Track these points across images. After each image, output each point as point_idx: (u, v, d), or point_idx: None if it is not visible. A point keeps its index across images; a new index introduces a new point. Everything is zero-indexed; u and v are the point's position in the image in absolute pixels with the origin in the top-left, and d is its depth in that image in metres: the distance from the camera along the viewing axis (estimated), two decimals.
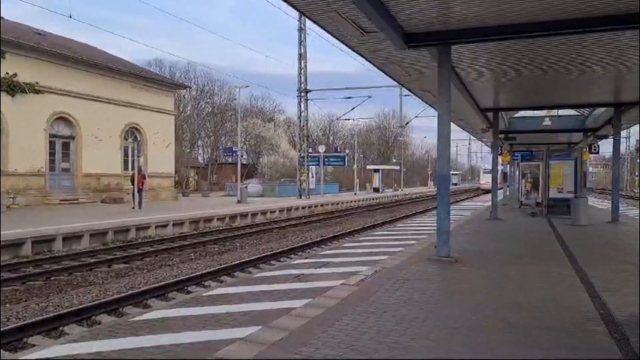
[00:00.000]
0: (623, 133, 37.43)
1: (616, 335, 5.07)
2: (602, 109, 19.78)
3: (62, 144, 26.08)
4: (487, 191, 52.58)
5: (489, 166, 62.98)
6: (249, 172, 57.06)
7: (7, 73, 22.31)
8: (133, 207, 22.92)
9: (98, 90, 27.29)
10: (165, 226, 18.61)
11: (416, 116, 49.50)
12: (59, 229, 14.93)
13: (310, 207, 30.84)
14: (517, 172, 32.12)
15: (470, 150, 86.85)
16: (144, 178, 24.41)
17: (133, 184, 23.80)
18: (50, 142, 25.15)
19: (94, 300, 9.17)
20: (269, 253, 14.42)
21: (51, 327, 7.62)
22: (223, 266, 12.45)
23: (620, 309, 5.94)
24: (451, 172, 10.31)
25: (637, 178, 75.98)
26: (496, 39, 9.40)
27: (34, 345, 6.68)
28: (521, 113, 24.02)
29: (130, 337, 4.99)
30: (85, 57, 27.05)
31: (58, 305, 9.09)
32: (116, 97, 28.54)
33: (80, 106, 26.29)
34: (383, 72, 13.01)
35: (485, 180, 64.74)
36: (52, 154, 25.38)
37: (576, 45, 10.09)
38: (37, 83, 23.79)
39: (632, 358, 4.33)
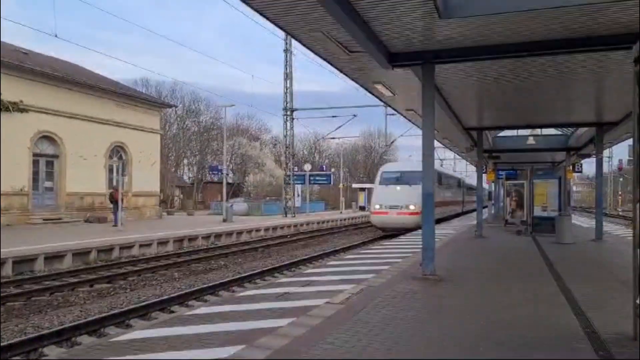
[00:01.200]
0: (606, 152, 37.97)
1: (602, 353, 5.06)
2: (585, 129, 20.07)
3: (45, 163, 25.80)
4: (392, 231, 24.33)
5: (396, 167, 29.67)
6: (235, 190, 56.92)
7: None
8: (115, 225, 22.67)
9: (83, 108, 27.13)
10: (149, 245, 18.39)
11: (401, 135, 49.67)
12: (40, 248, 14.69)
13: (295, 225, 30.71)
14: (501, 191, 32.35)
15: (455, 169, 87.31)
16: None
17: (112, 202, 23.65)
18: (33, 160, 24.88)
19: (75, 321, 8.99)
20: (253, 272, 14.30)
21: (30, 348, 7.46)
22: (207, 285, 12.31)
23: (605, 327, 5.94)
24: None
25: None
26: (480, 59, 9.54)
27: None
28: (505, 132, 24.29)
29: (109, 357, 4.88)
30: (71, 76, 26.93)
31: (38, 326, 8.90)
32: (101, 115, 28.38)
33: (65, 125, 26.09)
34: (368, 91, 13.12)
35: (387, 205, 25.65)
36: (35, 172, 25.08)
37: (559, 65, 10.27)
38: (21, 101, 23.59)
39: None
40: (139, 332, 5.91)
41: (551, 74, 10.95)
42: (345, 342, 5.31)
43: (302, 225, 31.48)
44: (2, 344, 7.35)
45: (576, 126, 20.31)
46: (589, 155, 24.20)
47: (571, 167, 26.18)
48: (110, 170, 28.84)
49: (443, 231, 20.41)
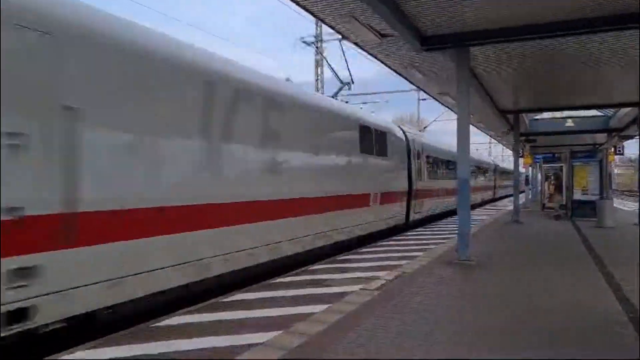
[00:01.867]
0: None
1: None
2: (627, 109, 19.41)
3: None
4: None
5: None
6: None
7: None
8: None
9: None
10: None
11: (434, 120, 48.91)
12: None
13: None
14: (539, 175, 31.71)
15: (491, 153, 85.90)
16: None
17: None
18: None
19: None
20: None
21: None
22: None
23: None
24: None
25: None
26: (514, 40, 9.30)
27: None
28: (542, 115, 23.70)
29: (149, 342, 4.99)
30: None
31: None
32: None
33: None
34: (400, 75, 12.96)
35: None
36: None
37: (596, 43, 9.93)
38: None
39: None
40: (179, 318, 6.02)
41: (590, 53, 10.60)
42: (380, 327, 5.31)
43: None
44: None
45: (617, 107, 19.65)
46: (631, 137, 23.43)
47: (612, 149, 25.39)
48: None
49: (478, 217, 20.14)
